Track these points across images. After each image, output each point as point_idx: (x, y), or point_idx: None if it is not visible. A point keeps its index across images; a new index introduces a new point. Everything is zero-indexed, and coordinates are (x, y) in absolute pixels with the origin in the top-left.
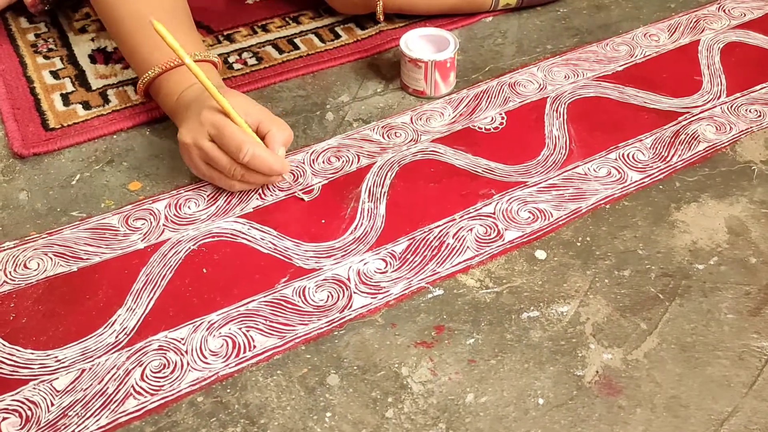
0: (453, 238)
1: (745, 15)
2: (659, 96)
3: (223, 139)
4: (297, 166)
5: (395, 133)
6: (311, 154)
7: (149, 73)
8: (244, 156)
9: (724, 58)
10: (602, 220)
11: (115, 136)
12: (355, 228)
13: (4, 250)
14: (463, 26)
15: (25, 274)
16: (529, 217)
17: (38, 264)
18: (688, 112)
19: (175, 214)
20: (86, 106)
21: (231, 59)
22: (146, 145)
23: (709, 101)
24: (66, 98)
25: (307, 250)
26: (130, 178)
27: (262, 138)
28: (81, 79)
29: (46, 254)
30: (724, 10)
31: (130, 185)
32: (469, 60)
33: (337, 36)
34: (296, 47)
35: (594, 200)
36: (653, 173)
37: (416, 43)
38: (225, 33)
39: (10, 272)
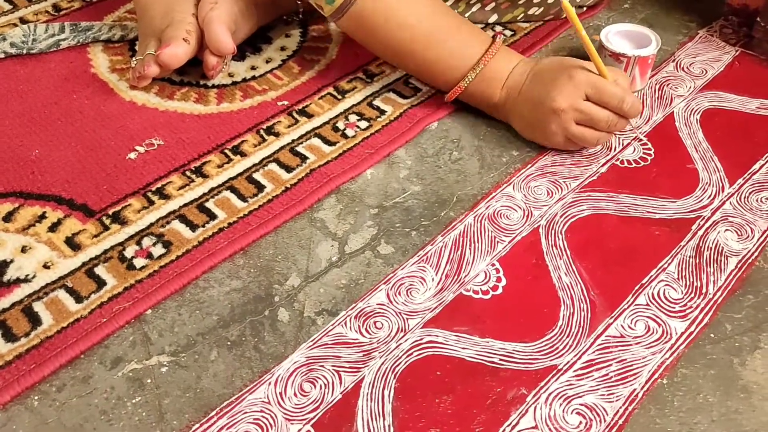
0: None
1: (706, 72)
2: (660, 199)
3: (604, 96)
4: (262, 411)
5: (375, 323)
6: (276, 385)
7: (470, 76)
8: (627, 105)
9: (707, 133)
10: (666, 405)
11: None
12: None
13: None
14: (408, 142)
15: None
16: (581, 422)
17: None
18: (699, 217)
19: None
20: None
21: (128, 252)
22: (37, 426)
23: (714, 196)
24: None
25: None
26: None
27: None
28: None
29: None
30: (682, 68)
31: None
32: (431, 191)
33: (261, 187)
34: (212, 216)
35: (646, 375)
36: (696, 316)
37: (615, 38)
38: (110, 212)
39: None
